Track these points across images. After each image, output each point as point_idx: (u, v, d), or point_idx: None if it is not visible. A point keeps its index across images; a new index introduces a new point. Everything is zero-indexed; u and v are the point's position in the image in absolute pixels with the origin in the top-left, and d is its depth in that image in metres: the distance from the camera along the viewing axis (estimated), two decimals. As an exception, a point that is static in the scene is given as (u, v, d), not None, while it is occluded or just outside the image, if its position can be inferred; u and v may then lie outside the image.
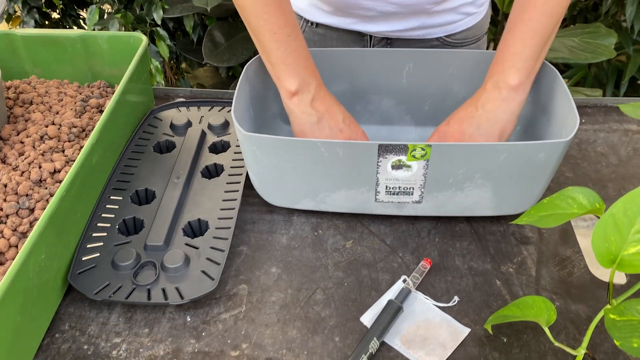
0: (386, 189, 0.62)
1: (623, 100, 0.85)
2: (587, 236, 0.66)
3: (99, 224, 0.64)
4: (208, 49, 1.58)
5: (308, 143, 0.59)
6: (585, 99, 0.85)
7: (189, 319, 0.58)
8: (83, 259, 0.60)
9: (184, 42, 1.78)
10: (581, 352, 0.49)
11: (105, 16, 1.66)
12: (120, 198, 0.67)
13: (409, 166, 0.59)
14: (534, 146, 0.56)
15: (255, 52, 0.68)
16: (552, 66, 0.67)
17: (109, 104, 0.66)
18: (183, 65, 2.00)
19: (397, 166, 0.60)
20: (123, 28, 1.60)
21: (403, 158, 0.59)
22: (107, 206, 0.66)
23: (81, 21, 2.04)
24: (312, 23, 0.86)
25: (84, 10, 2.05)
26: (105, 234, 0.63)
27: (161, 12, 1.57)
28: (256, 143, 0.60)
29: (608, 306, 0.48)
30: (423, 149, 0.57)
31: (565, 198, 0.54)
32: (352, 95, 0.77)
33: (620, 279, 0.61)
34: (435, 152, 0.57)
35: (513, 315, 0.53)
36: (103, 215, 0.65)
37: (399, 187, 0.62)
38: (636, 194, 0.46)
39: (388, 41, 0.83)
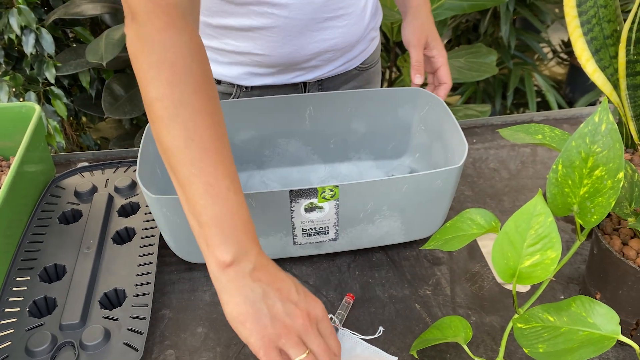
0: (302, 231, 0.64)
1: (507, 119, 0.93)
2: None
3: (6, 310, 0.60)
4: (108, 102, 1.54)
5: (219, 198, 0.59)
6: (473, 120, 0.92)
7: (116, 396, 0.55)
8: (-9, 351, 0.56)
9: (81, 97, 1.72)
10: (499, 361, 0.53)
11: (-8, 79, 1.57)
12: (28, 278, 0.64)
13: (321, 207, 0.61)
14: (430, 175, 0.61)
15: None
16: (441, 100, 0.72)
17: (6, 179, 0.63)
18: (84, 119, 1.93)
19: (310, 209, 0.61)
20: (13, 90, 1.53)
21: (314, 200, 0.61)
22: (14, 289, 0.63)
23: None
24: (247, 87, 0.83)
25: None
26: (14, 319, 0.59)
27: (54, 70, 1.52)
28: (166, 205, 0.60)
29: (516, 316, 0.52)
30: (332, 190, 0.60)
31: (465, 220, 0.58)
32: (260, 142, 0.78)
33: (523, 287, 0.66)
34: (344, 191, 0.60)
35: (434, 338, 0.56)
36: (10, 299, 0.62)
37: (315, 228, 0.64)
38: (523, 211, 0.50)
39: (319, 82, 0.85)
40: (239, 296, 0.47)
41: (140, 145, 0.65)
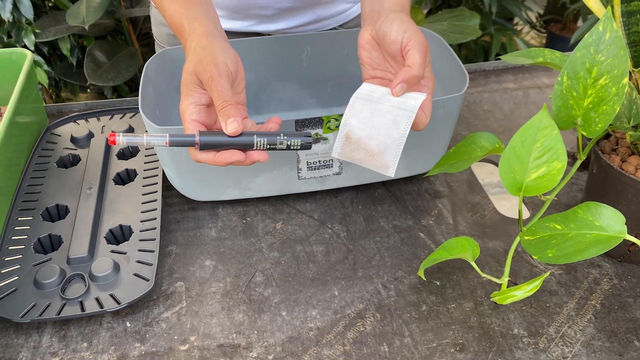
0: (307, 165, 0.64)
1: (498, 64, 0.95)
2: (490, 186, 0.72)
3: (10, 247, 0.60)
4: (90, 69, 1.51)
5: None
6: (466, 66, 0.93)
7: (129, 325, 0.55)
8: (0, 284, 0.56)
9: (62, 66, 1.69)
10: (505, 279, 0.54)
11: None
12: (30, 218, 0.63)
13: (326, 139, 0.62)
14: (434, 103, 0.61)
15: (141, 69, 0.66)
16: (437, 35, 0.73)
17: (0, 128, 0.62)
18: (63, 93, 1.89)
19: (315, 140, 0.62)
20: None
21: (319, 131, 0.61)
22: (17, 228, 0.62)
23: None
24: None
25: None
26: (20, 255, 0.59)
27: (32, 37, 1.48)
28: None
29: (522, 231, 0.54)
30: (337, 119, 0.60)
31: (469, 144, 0.59)
32: (258, 85, 0.78)
33: (525, 213, 0.68)
34: (349, 121, 0.60)
35: (442, 257, 0.57)
36: (13, 237, 0.61)
37: (319, 161, 0.64)
38: (528, 126, 0.52)
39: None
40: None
41: (140, 86, 0.65)
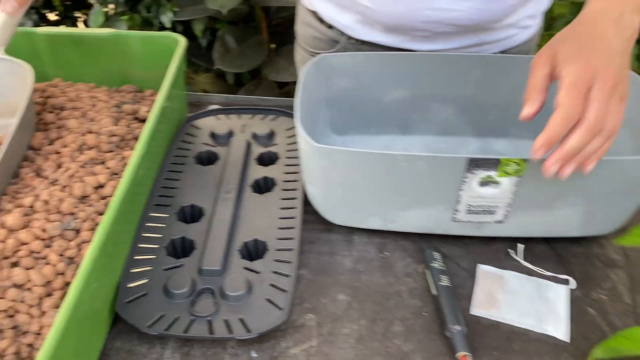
0: (467, 207, 0.56)
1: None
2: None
3: (142, 245, 0.57)
4: (219, 53, 1.51)
5: (385, 156, 0.53)
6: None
7: (254, 355, 0.51)
8: (129, 285, 0.53)
9: (191, 46, 1.71)
10: None
11: (110, 19, 1.58)
12: (166, 215, 0.60)
13: (497, 183, 0.54)
14: (624, 162, 0.51)
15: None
16: (635, 74, 0.62)
17: (153, 113, 0.59)
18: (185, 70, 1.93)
19: (485, 182, 0.54)
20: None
21: (493, 174, 0.53)
22: (151, 225, 0.59)
23: (81, 23, 1.95)
24: (356, 40, 0.78)
25: (82, 12, 1.97)
26: (153, 256, 0.56)
27: (170, 14, 1.50)
28: (327, 156, 0.54)
29: None
30: (517, 164, 0.52)
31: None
32: (409, 104, 0.71)
33: None
34: (532, 168, 0.52)
35: (624, 349, 0.47)
36: (147, 235, 0.58)
37: (482, 206, 0.56)
38: None
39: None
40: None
41: (297, 94, 0.60)
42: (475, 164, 0.52)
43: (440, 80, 0.69)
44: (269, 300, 0.52)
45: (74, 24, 1.97)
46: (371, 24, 0.74)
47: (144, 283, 0.53)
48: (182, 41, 0.72)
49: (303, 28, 0.85)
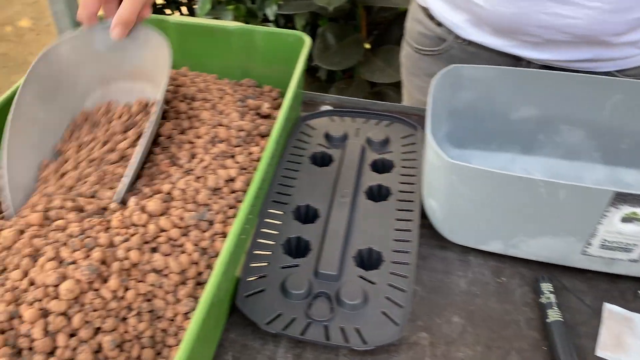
0: (602, 242, 0.53)
1: None
2: None
3: (260, 240, 0.58)
4: (319, 50, 1.51)
5: (525, 180, 0.50)
6: None
7: (366, 367, 0.50)
8: (248, 279, 0.54)
9: (289, 40, 1.73)
10: None
11: (215, 7, 1.63)
12: (282, 213, 0.61)
13: (642, 221, 0.50)
14: None
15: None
16: None
17: (282, 111, 0.60)
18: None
19: (628, 219, 0.50)
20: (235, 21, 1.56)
21: (638, 210, 0.49)
22: (268, 221, 0.60)
23: (184, 8, 2.02)
24: (463, 40, 0.78)
25: (187, -1, 2.03)
26: (270, 252, 0.56)
27: (275, 7, 1.52)
28: (458, 172, 0.52)
29: None
30: (670, 204, 0.48)
31: None
32: (537, 123, 0.68)
33: None
34: (687, 210, 0.48)
35: None
36: (265, 230, 0.59)
37: (619, 242, 0.53)
38: None
39: (549, 69, 0.73)
40: None
41: (429, 104, 0.58)
42: (622, 198, 0.49)
43: (574, 101, 0.65)
44: (385, 314, 0.51)
45: (178, 8, 2.05)
46: (480, 25, 0.74)
47: (261, 279, 0.54)
48: (307, 40, 0.72)
49: (412, 24, 0.86)
